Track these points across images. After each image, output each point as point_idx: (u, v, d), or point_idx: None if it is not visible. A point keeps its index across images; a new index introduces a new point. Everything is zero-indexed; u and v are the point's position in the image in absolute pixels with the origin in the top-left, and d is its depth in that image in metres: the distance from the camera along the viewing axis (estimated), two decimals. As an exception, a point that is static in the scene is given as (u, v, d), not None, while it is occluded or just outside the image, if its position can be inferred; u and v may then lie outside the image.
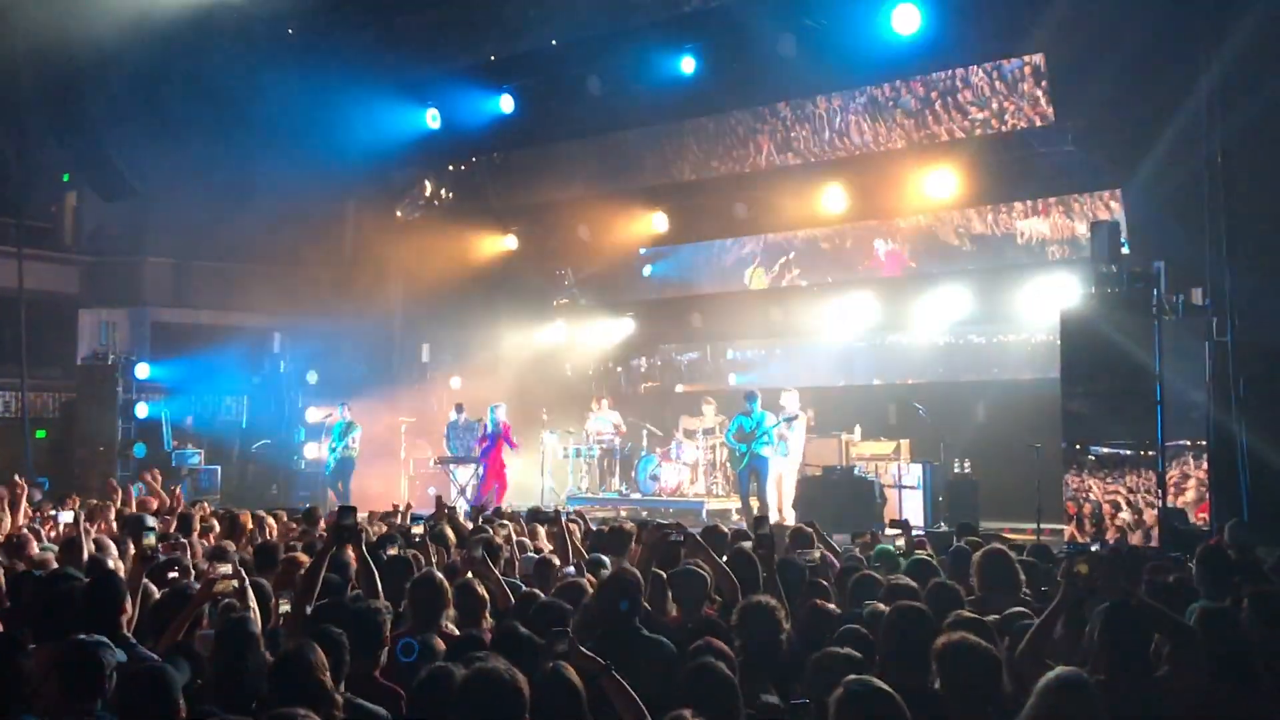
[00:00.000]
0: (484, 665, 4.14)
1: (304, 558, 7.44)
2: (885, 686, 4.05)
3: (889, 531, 11.66)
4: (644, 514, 16.33)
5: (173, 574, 6.28)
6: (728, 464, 17.56)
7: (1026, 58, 15.68)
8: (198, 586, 5.76)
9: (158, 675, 4.35)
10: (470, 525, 9.86)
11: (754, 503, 15.98)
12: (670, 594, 6.25)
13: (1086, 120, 15.24)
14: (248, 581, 5.83)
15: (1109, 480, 12.56)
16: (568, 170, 20.78)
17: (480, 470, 18.56)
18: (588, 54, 17.88)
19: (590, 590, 6.22)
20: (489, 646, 5.42)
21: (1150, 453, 12.36)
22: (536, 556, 8.17)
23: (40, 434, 22.35)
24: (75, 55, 17.16)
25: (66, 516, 8.92)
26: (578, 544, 8.10)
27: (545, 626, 4.89)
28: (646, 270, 21.70)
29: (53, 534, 9.25)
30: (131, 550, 7.18)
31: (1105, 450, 12.66)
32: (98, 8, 16.60)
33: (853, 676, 4.13)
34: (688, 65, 17.38)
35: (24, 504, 10.56)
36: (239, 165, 20.29)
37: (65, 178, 23.88)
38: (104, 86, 18.34)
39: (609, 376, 22.34)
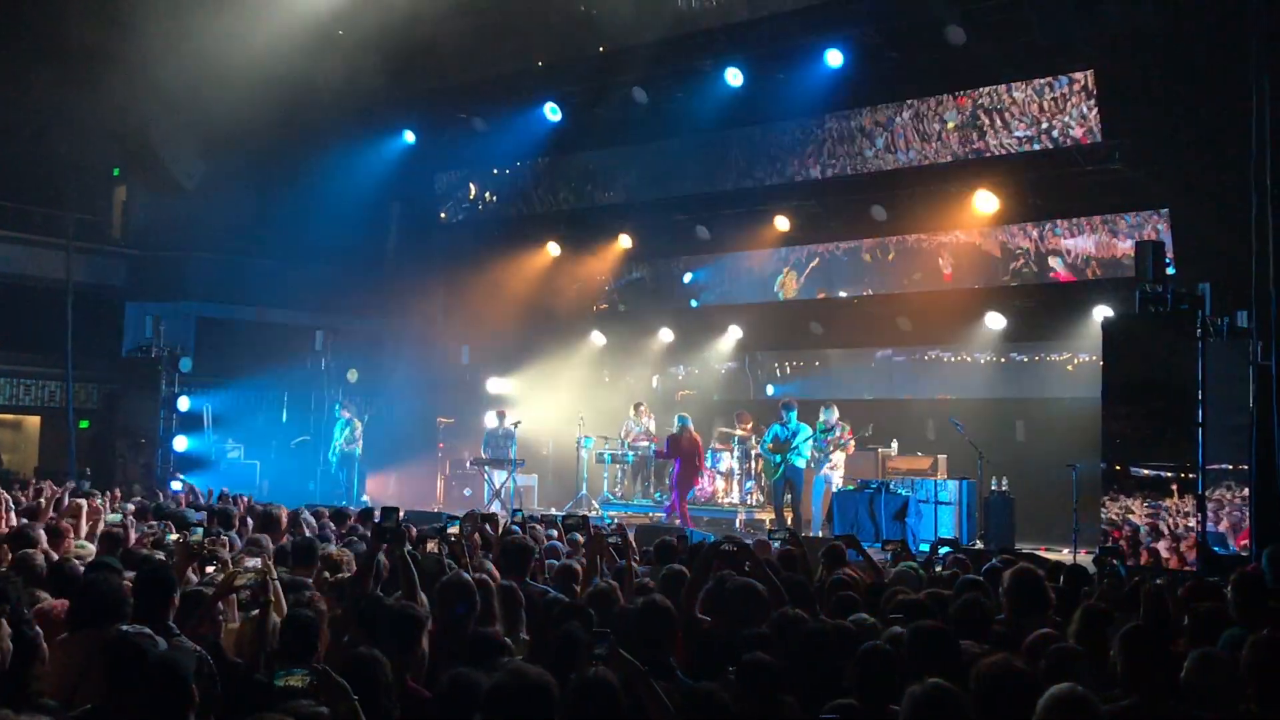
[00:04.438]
0: (514, 667, 4.16)
1: (340, 554, 7.53)
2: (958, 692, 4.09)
3: (922, 549, 11.60)
4: (676, 522, 16.35)
5: (210, 568, 6.35)
6: (763, 474, 17.53)
7: (1075, 74, 15.58)
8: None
9: (169, 663, 4.39)
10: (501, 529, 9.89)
11: (788, 514, 15.96)
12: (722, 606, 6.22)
13: (1134, 138, 15.13)
14: (273, 575, 5.89)
15: (1148, 502, 12.44)
16: (611, 177, 20.84)
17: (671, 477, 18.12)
18: (634, 63, 17.94)
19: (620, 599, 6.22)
20: (530, 649, 5.46)
21: (1191, 476, 12.23)
22: (559, 563, 8.18)
23: (83, 424, 22.64)
24: (127, 54, 17.37)
25: (115, 518, 9.05)
26: (612, 555, 8.09)
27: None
28: (687, 277, 21.70)
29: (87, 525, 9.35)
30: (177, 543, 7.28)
31: (1145, 472, 12.54)
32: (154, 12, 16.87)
33: (932, 680, 4.15)
34: (733, 76, 17.41)
35: (53, 498, 10.75)
36: (285, 165, 20.48)
37: (115, 172, 24.19)
38: (155, 84, 18.56)
39: (646, 383, 22.35)
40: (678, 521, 16.34)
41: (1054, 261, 17.29)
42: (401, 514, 6.88)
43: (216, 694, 4.51)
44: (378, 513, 7.13)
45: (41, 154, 21.26)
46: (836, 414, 16.69)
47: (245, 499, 12.93)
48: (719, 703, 4.33)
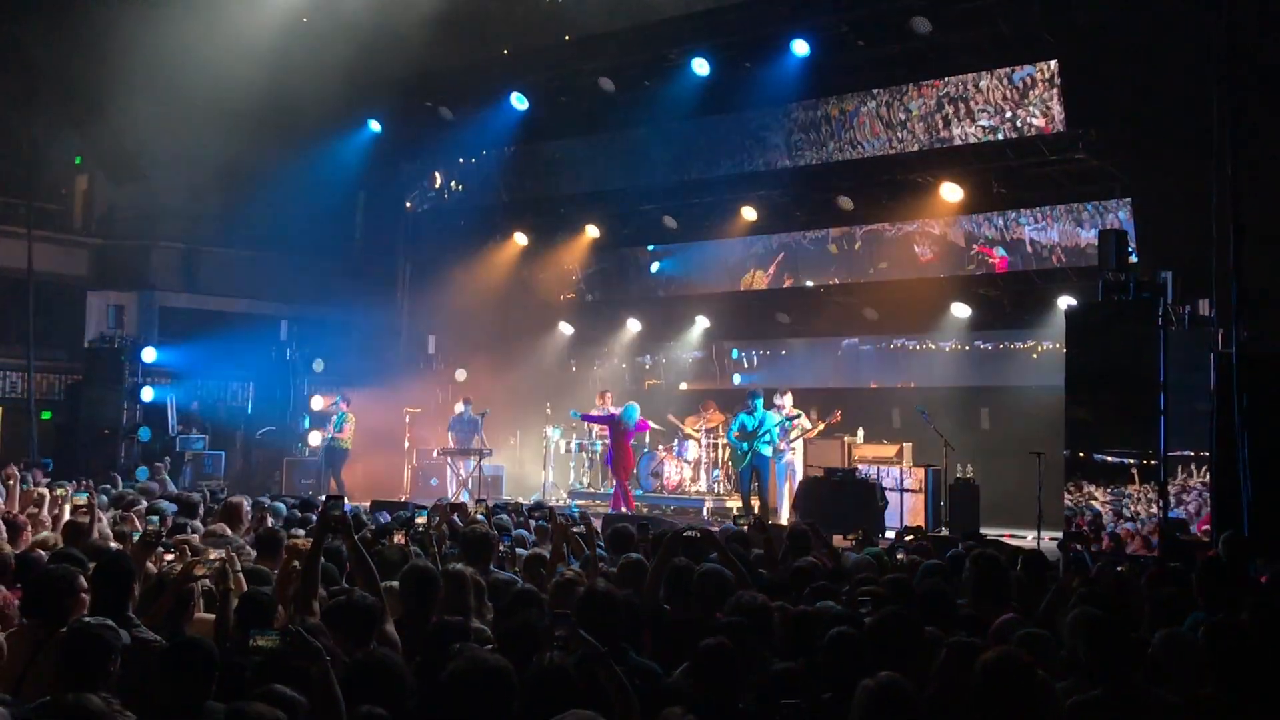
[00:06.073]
0: (471, 655, 4.16)
1: (304, 544, 7.47)
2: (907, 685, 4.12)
3: (888, 536, 11.67)
4: (645, 510, 16.37)
5: (170, 556, 6.28)
6: (729, 462, 17.57)
7: (1039, 64, 15.66)
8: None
9: (195, 645, 4.39)
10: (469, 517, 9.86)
11: (755, 502, 16.01)
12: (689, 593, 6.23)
13: (1098, 128, 15.24)
14: (235, 565, 5.86)
15: (1110, 489, 12.55)
16: (578, 167, 20.79)
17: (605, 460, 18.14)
18: (601, 52, 17.91)
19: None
20: (492, 636, 5.46)
21: (1153, 462, 12.35)
22: (527, 552, 8.17)
23: (45, 416, 22.39)
24: (91, 40, 17.19)
25: (80, 498, 8.95)
26: (579, 544, 8.08)
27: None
28: (654, 267, 21.69)
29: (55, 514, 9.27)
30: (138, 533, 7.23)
31: (1108, 459, 12.64)
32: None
33: (885, 673, 4.17)
34: (700, 66, 17.41)
35: (16, 487, 10.61)
36: (250, 153, 20.31)
37: (77, 160, 23.93)
38: (119, 71, 18.38)
39: (613, 372, 22.35)
40: (624, 509, 16.29)
41: (1018, 250, 17.39)
42: (346, 502, 6.82)
43: None
44: (322, 503, 7.10)
45: (2, 141, 21.00)
46: (791, 400, 16.79)
47: (209, 490, 12.85)
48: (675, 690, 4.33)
